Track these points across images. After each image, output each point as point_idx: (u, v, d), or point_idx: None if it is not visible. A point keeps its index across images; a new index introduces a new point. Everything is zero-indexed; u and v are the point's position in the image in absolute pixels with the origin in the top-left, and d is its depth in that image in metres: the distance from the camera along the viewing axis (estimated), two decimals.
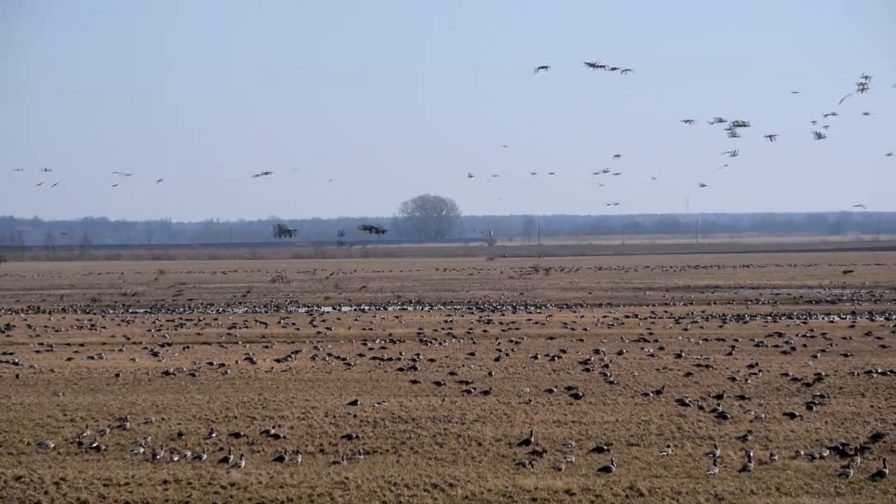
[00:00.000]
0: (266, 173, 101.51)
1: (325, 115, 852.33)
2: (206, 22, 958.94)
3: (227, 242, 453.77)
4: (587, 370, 61.36)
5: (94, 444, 41.45)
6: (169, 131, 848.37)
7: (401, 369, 62.70)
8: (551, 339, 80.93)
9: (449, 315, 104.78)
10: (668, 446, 39.87)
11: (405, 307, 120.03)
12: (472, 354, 69.81)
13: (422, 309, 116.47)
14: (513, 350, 72.10)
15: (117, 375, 61.45)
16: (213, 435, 43.21)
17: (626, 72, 68.81)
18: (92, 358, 70.61)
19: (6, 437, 43.33)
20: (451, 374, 60.42)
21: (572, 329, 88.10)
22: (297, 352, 72.21)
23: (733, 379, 57.04)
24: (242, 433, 43.38)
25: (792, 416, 46.09)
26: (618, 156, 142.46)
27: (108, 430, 44.31)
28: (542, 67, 74.09)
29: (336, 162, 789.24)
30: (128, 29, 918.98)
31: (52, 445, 41.57)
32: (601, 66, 67.19)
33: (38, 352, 75.37)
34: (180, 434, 43.42)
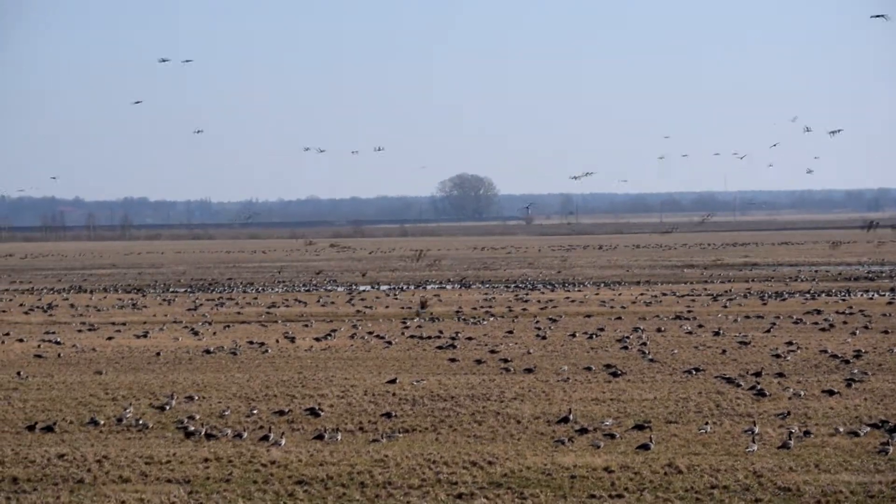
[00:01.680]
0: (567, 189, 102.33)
1: (362, 95, 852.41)
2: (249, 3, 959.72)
3: (266, 222, 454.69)
4: (625, 348, 61.39)
5: (139, 422, 41.84)
6: (209, 110, 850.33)
7: (440, 347, 62.89)
8: (589, 316, 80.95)
9: (487, 293, 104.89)
10: (707, 424, 39.89)
11: (444, 286, 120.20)
12: (511, 332, 69.92)
13: (460, 287, 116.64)
14: (551, 328, 72.15)
15: (158, 354, 61.88)
16: (254, 413, 43.54)
17: None
18: (137, 336, 71.10)
19: (49, 415, 43.73)
20: (493, 352, 60.54)
21: (611, 307, 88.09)
22: (335, 330, 72.48)
23: (777, 356, 56.89)
24: (287, 410, 43.65)
25: (831, 393, 46.03)
26: (795, 118, 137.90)
27: (149, 409, 44.72)
28: (878, 16, 74.54)
29: (375, 142, 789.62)
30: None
31: (103, 422, 41.98)
32: (882, 16, 67.50)
33: (79, 331, 75.90)
34: (221, 413, 43.76)
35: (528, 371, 53.47)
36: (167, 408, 44.83)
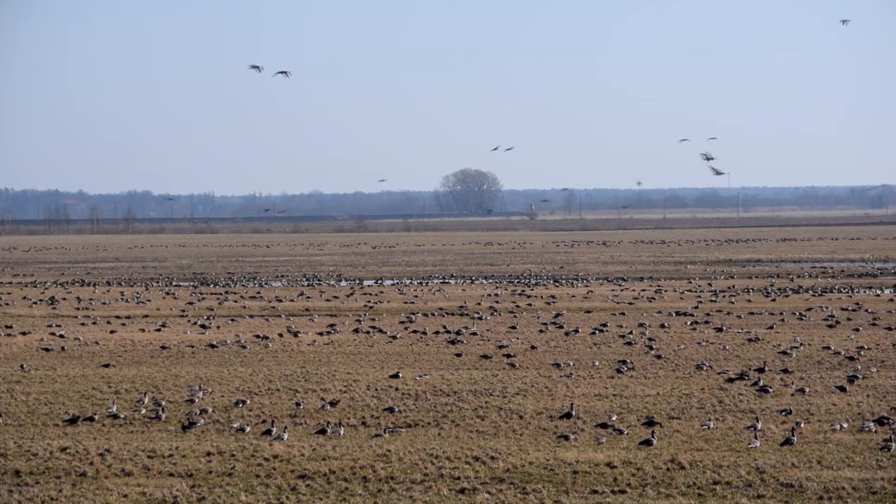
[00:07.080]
0: None
1: (370, 91, 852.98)
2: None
3: (268, 216, 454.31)
4: (629, 344, 61.36)
5: (153, 415, 41.85)
6: (214, 106, 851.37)
7: (444, 342, 62.83)
8: (588, 312, 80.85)
9: (490, 289, 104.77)
10: (710, 420, 39.89)
11: (447, 281, 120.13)
12: (514, 328, 69.86)
13: (464, 282, 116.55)
14: (554, 324, 72.08)
15: (163, 348, 61.85)
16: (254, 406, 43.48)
17: None
18: (141, 330, 71.10)
19: (52, 408, 43.74)
20: (500, 347, 60.47)
21: (615, 303, 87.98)
22: (334, 325, 72.31)
23: (784, 353, 56.74)
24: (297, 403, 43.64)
25: (835, 389, 46.00)
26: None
27: (154, 402, 44.69)
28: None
29: (378, 137, 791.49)
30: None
31: (123, 416, 41.99)
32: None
33: (83, 324, 75.88)
34: (225, 407, 43.74)
35: (557, 366, 53.41)
36: (196, 399, 44.97)
